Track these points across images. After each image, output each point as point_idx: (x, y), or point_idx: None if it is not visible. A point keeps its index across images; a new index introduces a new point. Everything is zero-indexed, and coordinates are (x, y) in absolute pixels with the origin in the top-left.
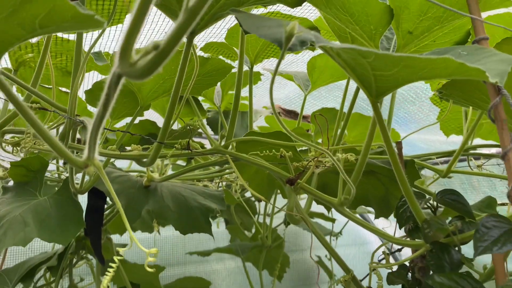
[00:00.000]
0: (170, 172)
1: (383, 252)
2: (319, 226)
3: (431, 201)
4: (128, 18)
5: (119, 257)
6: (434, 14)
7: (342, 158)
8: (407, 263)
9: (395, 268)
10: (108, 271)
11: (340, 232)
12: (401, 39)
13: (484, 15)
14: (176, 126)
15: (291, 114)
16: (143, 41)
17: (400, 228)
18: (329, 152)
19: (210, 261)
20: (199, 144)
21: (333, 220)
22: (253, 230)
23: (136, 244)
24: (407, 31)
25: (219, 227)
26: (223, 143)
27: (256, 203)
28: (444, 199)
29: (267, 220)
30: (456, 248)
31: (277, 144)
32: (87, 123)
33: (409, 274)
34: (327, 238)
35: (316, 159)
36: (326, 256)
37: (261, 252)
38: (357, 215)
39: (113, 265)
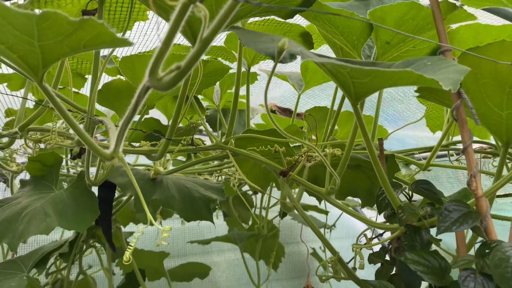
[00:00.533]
0: (171, 167)
1: (365, 235)
2: (313, 219)
3: (406, 190)
4: (157, 44)
5: (132, 244)
6: (409, 27)
7: (329, 153)
8: (386, 244)
9: (376, 249)
10: (130, 247)
11: (334, 225)
12: (380, 48)
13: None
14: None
15: (286, 112)
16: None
17: (379, 213)
18: (315, 148)
19: (211, 253)
20: (200, 140)
21: (326, 212)
22: (250, 223)
23: (142, 233)
24: (385, 42)
25: (218, 218)
26: (223, 139)
27: (253, 196)
28: (418, 188)
29: (263, 212)
30: (426, 230)
31: (272, 140)
32: (106, 122)
33: (387, 254)
34: (321, 230)
35: (306, 154)
36: (320, 248)
37: (257, 241)
38: (350, 208)
39: (131, 245)
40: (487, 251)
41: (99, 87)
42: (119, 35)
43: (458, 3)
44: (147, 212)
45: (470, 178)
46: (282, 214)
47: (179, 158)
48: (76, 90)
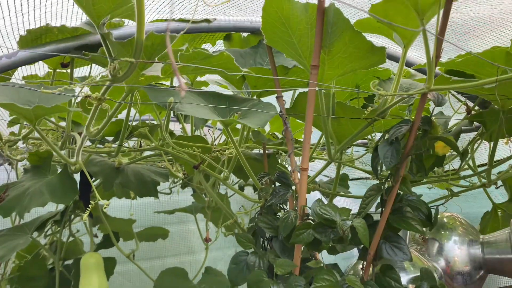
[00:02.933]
0: None
1: (243, 206)
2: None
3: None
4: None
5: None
6: (262, 79)
7: (227, 152)
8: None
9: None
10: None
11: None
12: (252, 88)
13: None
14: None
15: None
16: None
17: (254, 192)
18: (215, 149)
19: (173, 224)
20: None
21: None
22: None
23: (107, 205)
24: (253, 85)
25: (178, 194)
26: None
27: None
28: (278, 178)
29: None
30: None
31: (194, 144)
32: (76, 136)
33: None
34: None
35: (212, 153)
36: None
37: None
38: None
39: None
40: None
41: None
42: None
43: None
44: (96, 195)
45: (291, 172)
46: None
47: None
48: None
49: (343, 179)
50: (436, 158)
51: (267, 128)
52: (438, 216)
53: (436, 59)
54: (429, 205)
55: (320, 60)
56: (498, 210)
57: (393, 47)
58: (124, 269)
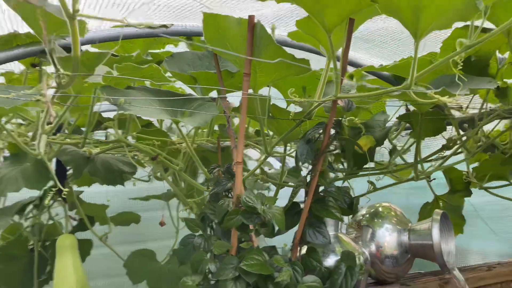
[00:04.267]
0: None
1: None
2: None
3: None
4: None
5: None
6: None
7: (182, 147)
8: None
9: None
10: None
11: None
12: None
13: None
14: None
15: None
16: None
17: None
18: (175, 143)
19: (150, 210)
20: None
21: None
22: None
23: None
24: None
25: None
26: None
27: None
28: (225, 168)
29: None
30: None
31: (153, 137)
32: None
33: None
34: None
35: (169, 145)
36: None
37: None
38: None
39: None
40: None
41: None
42: None
43: None
44: (56, 181)
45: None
46: None
47: None
48: None
49: (296, 171)
50: (365, 154)
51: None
52: (376, 205)
53: (342, 71)
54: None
55: (252, 68)
56: (439, 201)
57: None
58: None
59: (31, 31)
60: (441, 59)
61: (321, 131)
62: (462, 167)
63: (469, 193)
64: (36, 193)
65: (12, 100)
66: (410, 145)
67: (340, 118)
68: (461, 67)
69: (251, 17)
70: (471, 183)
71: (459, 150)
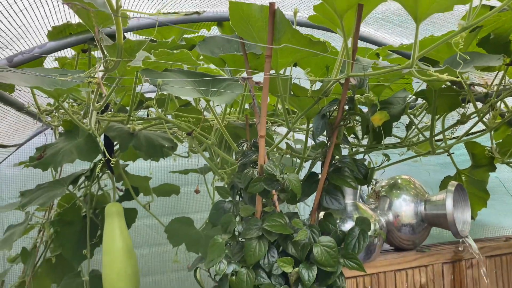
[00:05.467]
0: None
1: (226, 167)
2: None
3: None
4: None
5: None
6: None
7: (215, 122)
8: None
9: None
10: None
11: None
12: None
13: None
14: None
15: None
16: None
17: (234, 154)
18: (208, 120)
19: (189, 185)
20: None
21: None
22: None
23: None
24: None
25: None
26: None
27: None
28: (252, 142)
29: None
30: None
31: (188, 115)
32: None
33: None
34: None
35: (201, 123)
36: None
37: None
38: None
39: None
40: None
41: None
42: None
43: None
44: (106, 153)
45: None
46: None
47: None
48: None
49: (320, 145)
50: (383, 127)
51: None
52: (396, 177)
53: (353, 52)
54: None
55: (273, 50)
56: (462, 175)
57: (375, 33)
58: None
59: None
60: (443, 38)
61: (335, 107)
62: (487, 142)
63: (493, 168)
64: (85, 166)
65: (68, 82)
66: (420, 120)
67: (352, 95)
68: (478, 45)
69: (272, 4)
70: (494, 158)
71: (479, 125)
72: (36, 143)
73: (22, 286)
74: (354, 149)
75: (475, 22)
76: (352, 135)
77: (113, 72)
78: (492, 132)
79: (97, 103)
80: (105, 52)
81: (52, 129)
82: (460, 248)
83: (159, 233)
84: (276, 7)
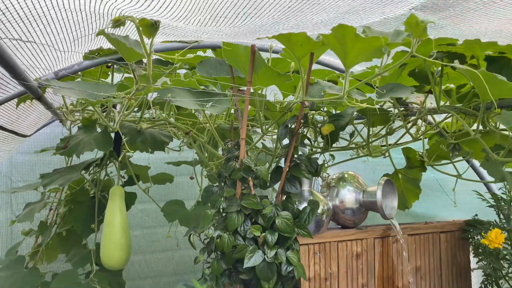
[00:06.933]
0: None
1: (215, 159)
2: None
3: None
4: None
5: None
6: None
7: (206, 126)
8: None
9: None
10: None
11: None
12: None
13: None
14: None
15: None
16: None
17: (221, 150)
18: (201, 122)
19: (181, 175)
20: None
21: None
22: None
23: (132, 155)
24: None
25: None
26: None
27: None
28: (236, 142)
29: None
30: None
31: (187, 118)
32: (115, 111)
33: None
34: None
35: (197, 125)
36: None
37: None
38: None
39: (122, 153)
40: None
41: None
42: None
43: None
44: (126, 147)
45: (240, 140)
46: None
47: None
48: None
49: (284, 147)
50: (331, 135)
51: None
52: (344, 172)
53: (306, 84)
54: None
55: (253, 77)
56: (399, 173)
57: (336, 61)
58: (144, 207)
59: (111, 46)
60: (365, 79)
61: (295, 120)
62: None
63: (424, 169)
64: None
65: (103, 91)
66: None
67: (307, 113)
68: (409, 75)
69: (252, 46)
70: (424, 161)
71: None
72: (42, 133)
73: (35, 254)
74: (313, 150)
75: (385, 70)
76: (312, 140)
77: (141, 91)
78: (427, 140)
79: (126, 111)
80: (137, 79)
81: (60, 122)
82: (387, 229)
83: (150, 217)
84: (256, 49)
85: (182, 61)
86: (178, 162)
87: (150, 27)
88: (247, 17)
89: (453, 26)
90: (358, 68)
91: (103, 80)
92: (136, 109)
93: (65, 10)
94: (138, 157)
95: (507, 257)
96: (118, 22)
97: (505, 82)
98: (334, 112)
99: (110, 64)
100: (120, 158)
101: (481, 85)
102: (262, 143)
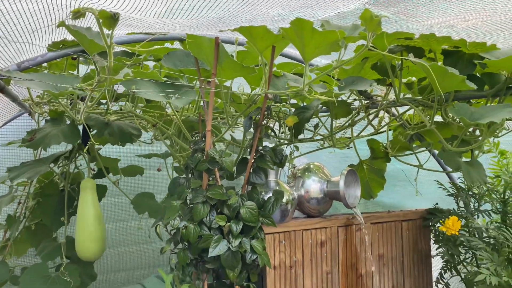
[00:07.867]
0: None
1: (182, 152)
2: None
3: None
4: None
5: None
6: None
7: (173, 120)
8: None
9: None
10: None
11: None
12: None
13: None
14: None
15: None
16: None
17: (189, 147)
18: (170, 116)
19: (151, 169)
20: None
21: None
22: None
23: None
24: None
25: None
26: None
27: None
28: (203, 133)
29: None
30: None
31: (154, 111)
32: (80, 104)
33: None
34: None
35: (164, 117)
36: None
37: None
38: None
39: (88, 144)
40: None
41: None
42: None
43: None
44: (91, 139)
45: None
46: None
47: None
48: None
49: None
50: (295, 127)
51: None
52: (310, 163)
53: (269, 77)
54: None
55: (217, 70)
56: (363, 164)
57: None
58: (117, 201)
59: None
60: (327, 69)
61: (259, 112)
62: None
63: (388, 160)
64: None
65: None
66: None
67: (270, 105)
68: (371, 68)
69: (216, 38)
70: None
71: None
72: (10, 126)
73: (3, 249)
74: (280, 142)
75: (343, 63)
76: (280, 132)
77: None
78: (391, 131)
79: (90, 103)
80: (98, 70)
81: (29, 114)
82: (350, 217)
83: (123, 211)
84: (220, 41)
85: (147, 52)
86: (149, 155)
87: (110, 19)
88: (202, 10)
89: (406, 20)
90: (324, 62)
91: (70, 72)
92: (104, 101)
93: (20, 0)
94: (109, 150)
95: (464, 243)
96: (78, 14)
97: (455, 75)
98: (303, 105)
99: (75, 56)
100: (85, 150)
101: (432, 78)
102: (231, 135)
